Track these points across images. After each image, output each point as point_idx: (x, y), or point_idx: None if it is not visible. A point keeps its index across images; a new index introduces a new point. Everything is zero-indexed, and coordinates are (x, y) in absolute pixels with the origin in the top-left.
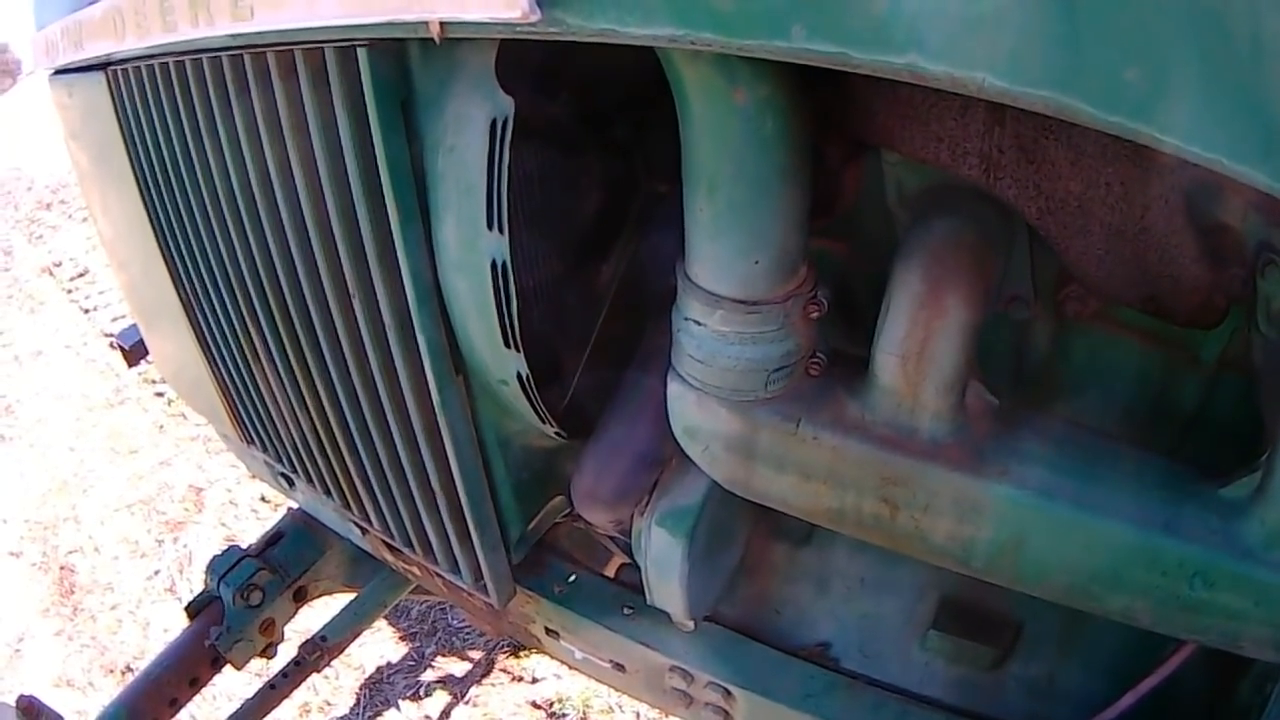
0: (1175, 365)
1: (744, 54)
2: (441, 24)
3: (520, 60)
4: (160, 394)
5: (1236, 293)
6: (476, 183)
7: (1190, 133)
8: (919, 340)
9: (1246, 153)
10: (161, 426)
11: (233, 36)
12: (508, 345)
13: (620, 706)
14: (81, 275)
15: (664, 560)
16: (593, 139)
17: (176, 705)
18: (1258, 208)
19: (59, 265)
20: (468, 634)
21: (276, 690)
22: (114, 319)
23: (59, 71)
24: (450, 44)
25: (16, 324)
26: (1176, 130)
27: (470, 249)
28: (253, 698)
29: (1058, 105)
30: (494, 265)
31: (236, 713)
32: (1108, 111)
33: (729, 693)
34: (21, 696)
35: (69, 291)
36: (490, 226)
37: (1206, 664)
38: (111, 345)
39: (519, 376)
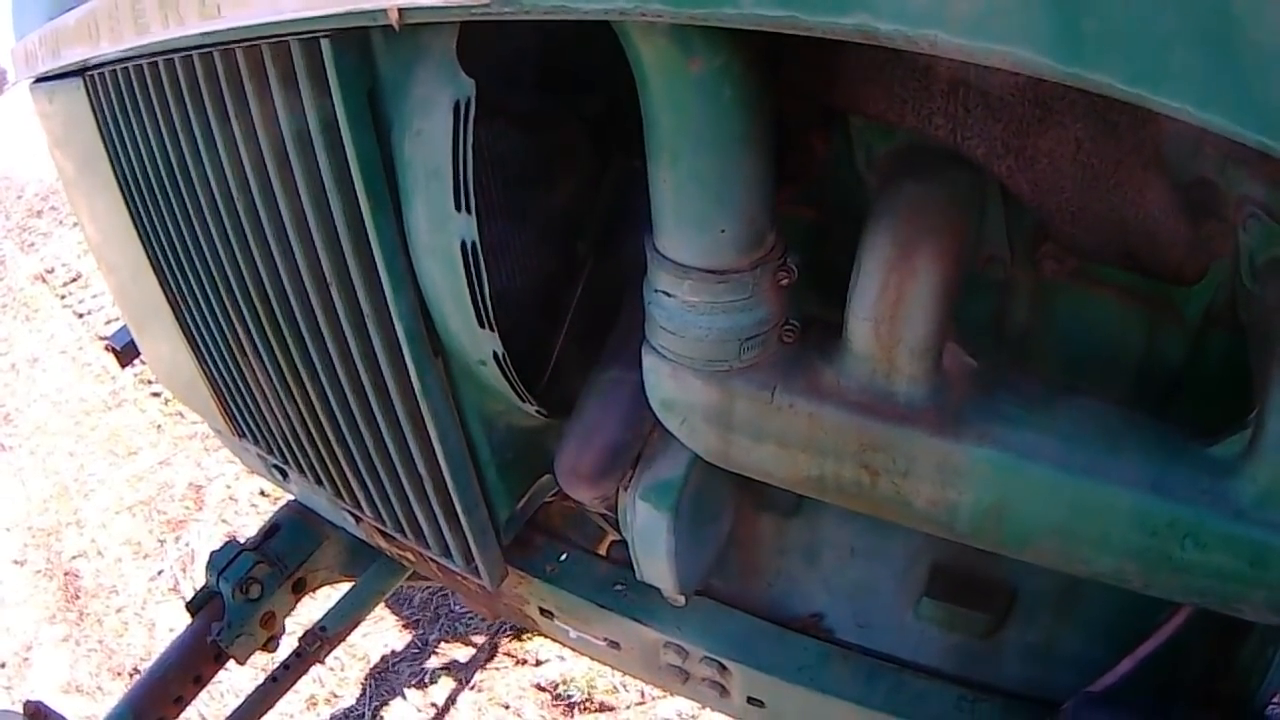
0: (1158, 322)
1: (694, 23)
2: (400, 10)
3: (487, 41)
4: (157, 394)
5: (1218, 247)
6: (443, 165)
7: (1154, 81)
8: (891, 304)
9: (1213, 99)
10: (159, 426)
11: (203, 35)
12: (482, 325)
13: (625, 686)
14: (74, 280)
15: (650, 534)
16: (564, 115)
17: (182, 703)
18: (1235, 159)
19: (51, 272)
20: (470, 619)
21: (279, 683)
22: (108, 322)
23: (39, 80)
24: (412, 30)
25: (12, 332)
26: (1139, 79)
27: (440, 231)
28: (255, 691)
29: (1014, 59)
30: (464, 246)
31: (240, 707)
32: (1066, 63)
33: (724, 667)
34: (28, 702)
35: (63, 297)
36: (458, 208)
37: (1206, 628)
38: (105, 348)
39: (495, 356)
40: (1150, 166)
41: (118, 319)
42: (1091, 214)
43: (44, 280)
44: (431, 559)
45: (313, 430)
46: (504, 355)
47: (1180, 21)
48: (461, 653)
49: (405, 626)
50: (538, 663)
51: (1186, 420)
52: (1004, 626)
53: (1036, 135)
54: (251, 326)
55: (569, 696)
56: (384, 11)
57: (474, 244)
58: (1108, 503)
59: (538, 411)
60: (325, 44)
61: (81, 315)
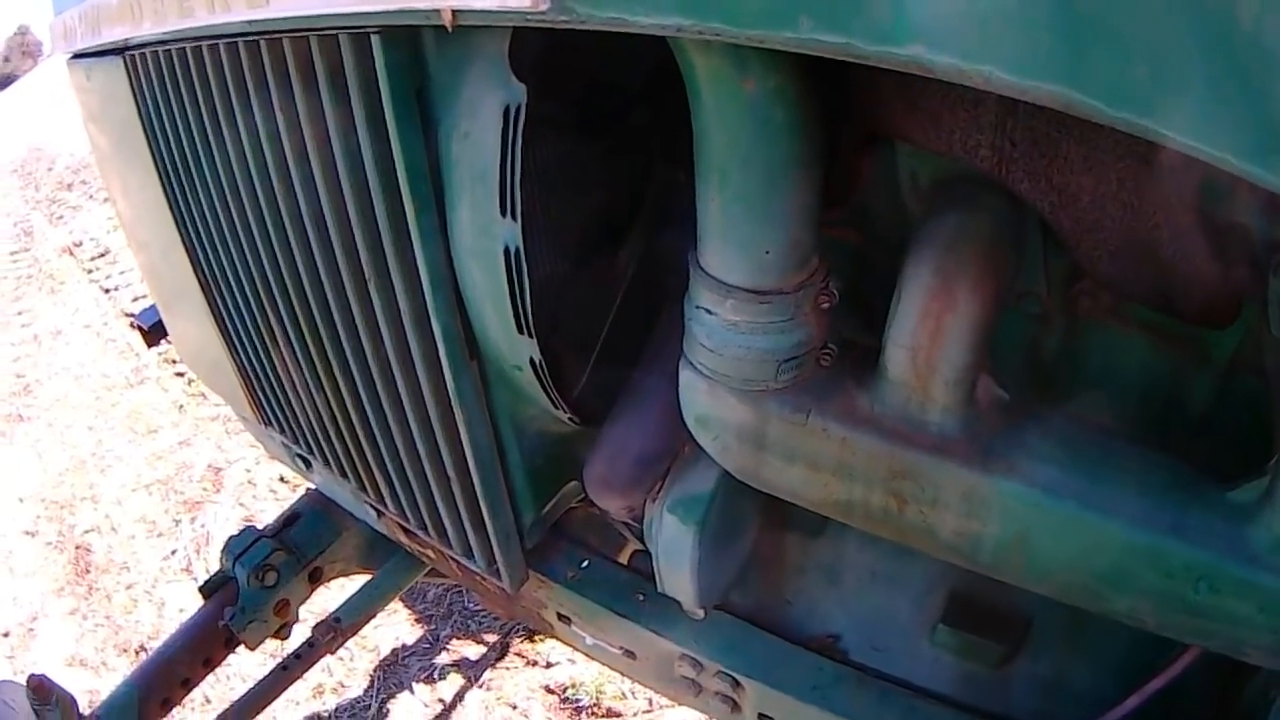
0: (1186, 364)
1: (751, 44)
2: (454, 12)
3: (536, 47)
4: (180, 374)
5: (1249, 292)
6: (490, 169)
7: (1197, 129)
8: (929, 333)
9: (1253, 150)
10: (181, 406)
11: (249, 23)
12: (521, 331)
13: (633, 693)
14: (102, 255)
15: (675, 548)
16: (610, 126)
17: (189, 685)
18: (1269, 206)
19: (79, 245)
20: (483, 618)
21: (289, 671)
22: (134, 299)
23: (77, 55)
24: (464, 31)
25: (36, 304)
26: (1183, 126)
27: (484, 235)
28: (265, 678)
29: (1065, 100)
30: (507, 251)
31: (249, 693)
32: (1115, 107)
33: (737, 682)
34: (32, 676)
35: (89, 272)
36: (504, 213)
37: (1212, 667)
38: (131, 325)
39: (532, 362)
40: (1189, 209)
41: (144, 296)
42: (1129, 254)
43: (71, 254)
44: (452, 558)
45: (341, 424)
46: (541, 362)
47: (1227, 76)
48: (472, 650)
49: (417, 621)
50: (548, 665)
51: (1207, 463)
52: (1016, 657)
53: (1080, 173)
54: (285, 316)
55: (577, 700)
56: (438, 11)
57: (518, 250)
58: (1127, 542)
59: (570, 419)
60: (375, 40)
61: (108, 290)
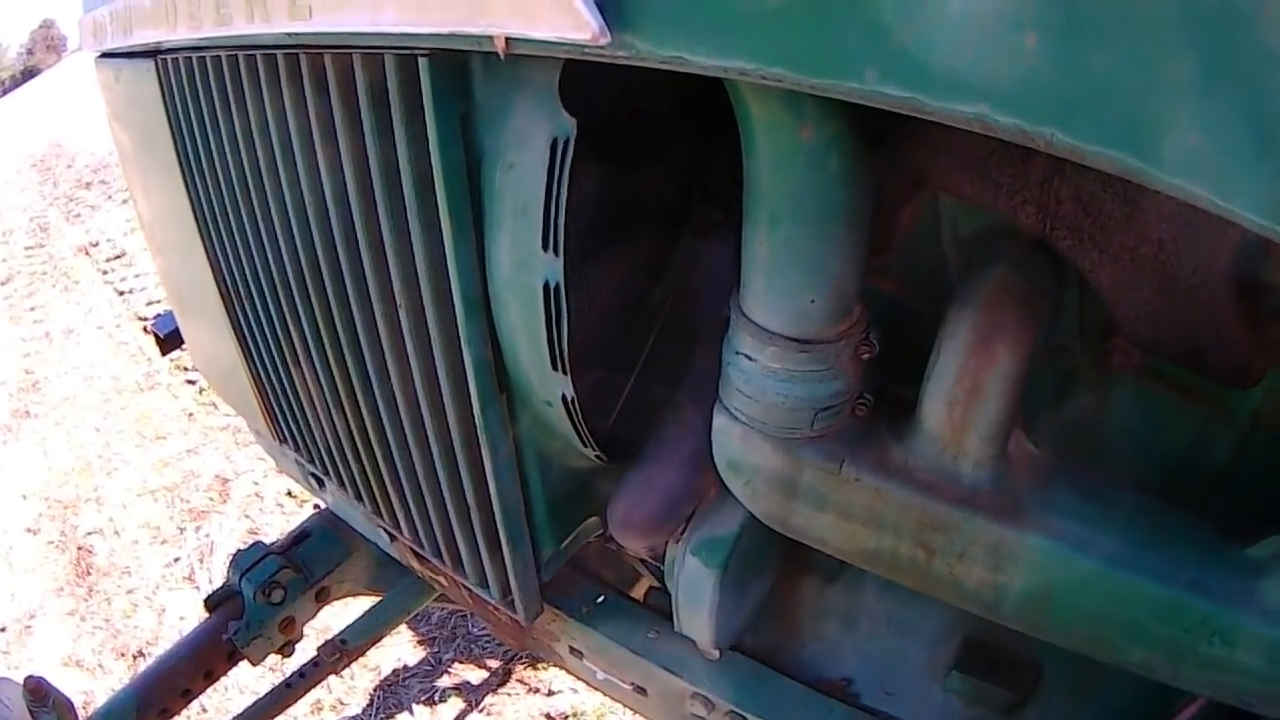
0: (1209, 422)
1: (815, 93)
2: (508, 40)
3: (582, 78)
4: (192, 381)
5: (1276, 353)
6: (534, 202)
7: (1250, 199)
8: (967, 388)
9: None
10: (191, 414)
11: (289, 35)
12: (555, 368)
13: None
14: (118, 257)
15: (695, 589)
16: (650, 162)
17: (189, 696)
18: None
19: (96, 245)
20: (486, 642)
21: (292, 690)
22: (149, 303)
23: (106, 54)
24: (514, 60)
25: (49, 301)
26: (1236, 196)
27: (524, 269)
28: (267, 696)
29: (1123, 165)
30: (546, 287)
31: (249, 709)
32: (1171, 174)
33: None
34: (30, 677)
35: (105, 272)
36: (546, 248)
37: (1216, 716)
38: (146, 330)
39: (564, 399)
40: (1225, 272)
41: (159, 302)
42: (1166, 314)
43: (87, 253)
44: (465, 586)
45: (360, 446)
46: (573, 399)
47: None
48: (474, 674)
49: (420, 642)
50: (550, 693)
51: (1226, 519)
52: (1025, 705)
53: (1122, 233)
54: (308, 333)
55: None
56: (490, 38)
57: (558, 286)
58: (1146, 597)
59: (598, 456)
60: (423, 62)
61: (123, 293)
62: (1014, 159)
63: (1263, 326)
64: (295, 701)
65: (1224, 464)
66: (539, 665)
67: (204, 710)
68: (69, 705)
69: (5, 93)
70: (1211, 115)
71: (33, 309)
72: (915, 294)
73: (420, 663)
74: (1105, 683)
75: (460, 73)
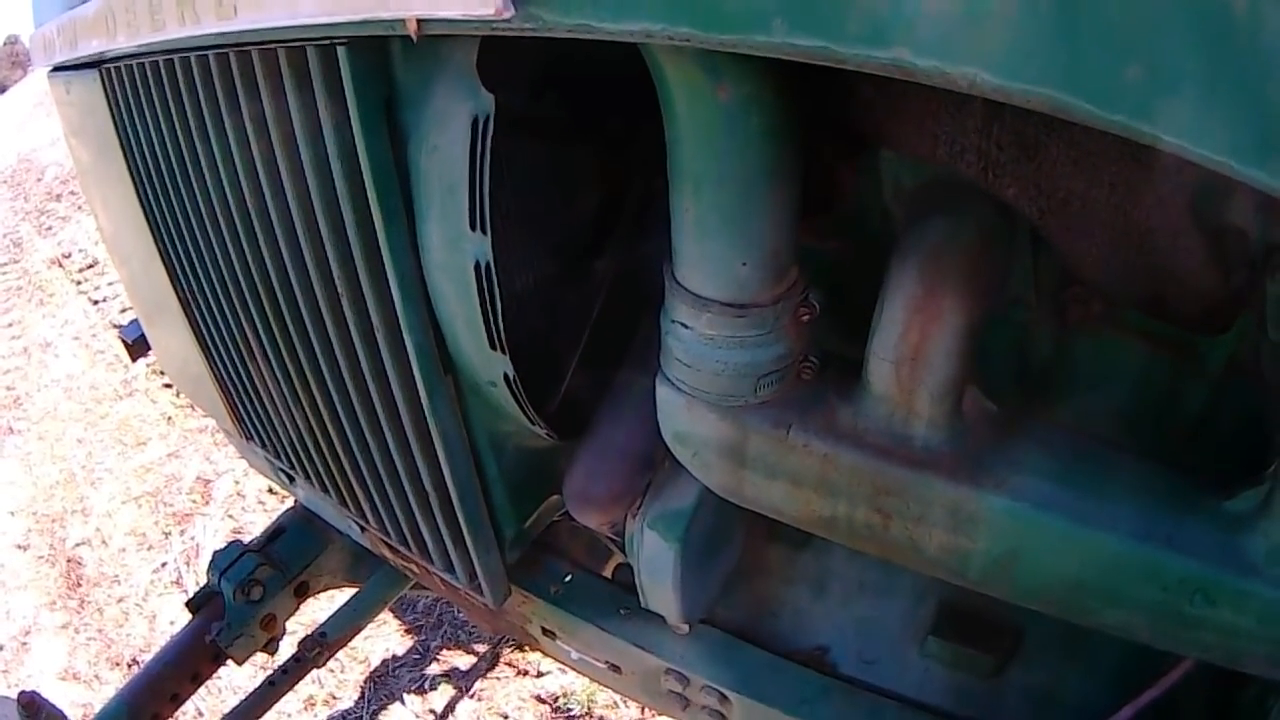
0: (1180, 371)
1: (723, 49)
2: (418, 21)
3: (508, 57)
4: (169, 385)
5: (1245, 297)
6: (459, 182)
7: (1196, 133)
8: (913, 345)
9: (1256, 155)
10: (170, 418)
11: (219, 35)
12: (494, 347)
13: (625, 702)
14: (91, 267)
15: (657, 564)
16: (585, 135)
17: (178, 700)
18: (1267, 210)
19: (68, 257)
20: (473, 628)
21: (276, 687)
22: (123, 310)
23: (57, 69)
24: (432, 42)
25: (26, 315)
26: (1182, 130)
27: (454, 250)
28: (252, 694)
29: (1056, 103)
30: (478, 266)
31: (236, 709)
32: (1110, 110)
33: (724, 696)
34: (23, 693)
35: (78, 283)
36: (473, 227)
37: (1206, 677)
38: (118, 338)
39: (506, 378)
40: (1184, 214)
41: (132, 309)
42: (1122, 260)
43: (60, 265)
44: (435, 573)
45: (320, 439)
46: (515, 378)
47: (1225, 76)
48: (463, 660)
49: (407, 632)
50: (539, 674)
51: (1202, 471)
52: (1008, 668)
53: (1069, 177)
54: (261, 332)
55: (569, 710)
56: (402, 21)
57: (488, 265)
58: (1121, 557)
59: (548, 434)
60: (342, 51)
61: (97, 302)
62: (949, 107)
63: (1229, 270)
64: (280, 698)
65: (1197, 414)
66: (526, 648)
67: (200, 714)
68: (62, 719)
69: None
70: (1151, 43)
71: (10, 325)
72: (861, 254)
73: (409, 652)
74: (1092, 644)
75: (381, 59)
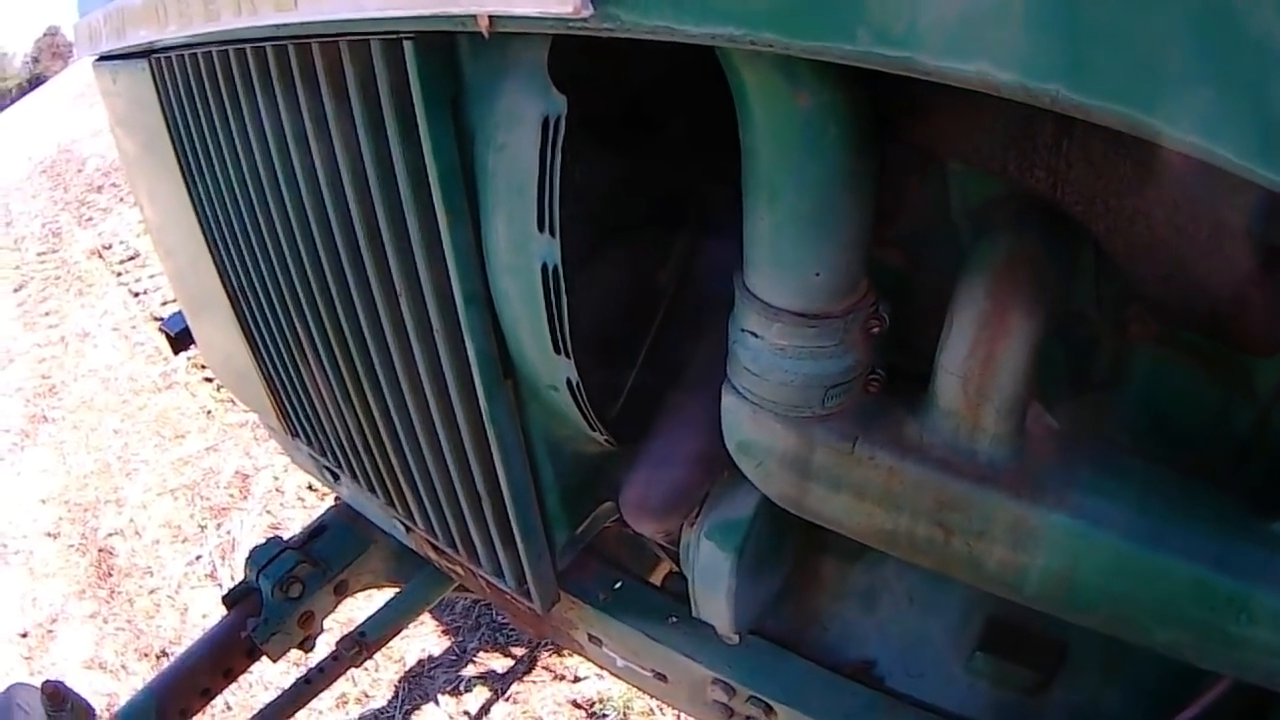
0: (1230, 392)
1: (806, 56)
2: (491, 18)
3: (575, 58)
4: (209, 379)
5: None
6: (527, 183)
7: (1267, 158)
8: (981, 361)
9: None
10: (210, 412)
11: (276, 27)
12: (558, 351)
13: (661, 709)
14: (132, 259)
15: (712, 574)
16: (650, 140)
17: (209, 695)
18: None
19: (109, 248)
20: (510, 631)
21: (312, 685)
22: (164, 303)
23: (102, 58)
24: (501, 39)
25: (64, 305)
26: (1252, 154)
27: (520, 251)
28: (287, 691)
29: (1132, 121)
30: (545, 269)
31: (270, 705)
32: (1182, 131)
33: (770, 708)
34: (47, 682)
35: (119, 275)
36: (541, 228)
37: (1240, 696)
38: (159, 330)
39: (569, 383)
40: (1243, 235)
41: (174, 301)
42: (1183, 279)
43: (100, 256)
44: (481, 576)
45: (370, 439)
46: (578, 383)
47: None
48: (499, 663)
49: (444, 632)
50: (575, 679)
51: (1250, 493)
52: (1051, 685)
53: (1135, 195)
54: (314, 328)
55: (604, 715)
56: (473, 17)
57: (555, 267)
58: (1172, 575)
59: (607, 440)
60: (408, 46)
61: (137, 294)
62: (1021, 121)
63: None
64: (315, 696)
65: (1247, 436)
66: (564, 652)
67: (228, 708)
68: (88, 709)
69: (13, 101)
70: (1229, 67)
71: (47, 314)
72: (926, 266)
73: (445, 653)
74: (1133, 663)
75: (447, 55)
